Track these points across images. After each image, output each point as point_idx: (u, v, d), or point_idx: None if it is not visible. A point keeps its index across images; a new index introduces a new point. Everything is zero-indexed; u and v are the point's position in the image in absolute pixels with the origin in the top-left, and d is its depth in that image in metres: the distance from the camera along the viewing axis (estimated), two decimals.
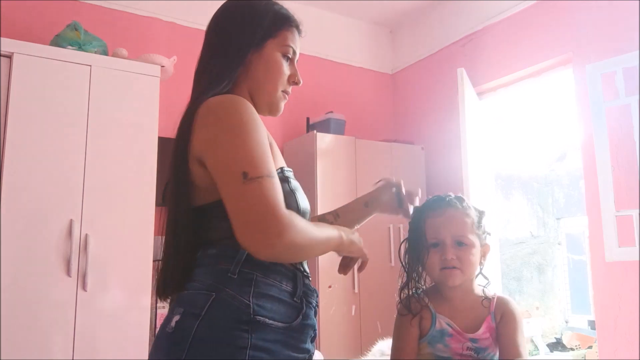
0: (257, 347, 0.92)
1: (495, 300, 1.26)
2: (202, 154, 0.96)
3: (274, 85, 1.11)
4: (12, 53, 2.43)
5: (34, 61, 2.47)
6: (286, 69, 1.13)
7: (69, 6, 3.09)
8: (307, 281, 1.05)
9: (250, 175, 0.88)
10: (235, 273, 0.96)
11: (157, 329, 2.78)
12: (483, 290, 1.28)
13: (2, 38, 2.43)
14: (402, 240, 1.33)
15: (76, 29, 2.66)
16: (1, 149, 2.35)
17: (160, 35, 3.36)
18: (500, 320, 1.23)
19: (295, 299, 1.00)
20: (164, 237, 1.05)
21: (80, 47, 2.64)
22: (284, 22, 1.14)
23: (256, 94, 1.11)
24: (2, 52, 2.41)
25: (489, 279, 1.31)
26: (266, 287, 0.97)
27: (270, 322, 0.95)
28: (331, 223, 1.27)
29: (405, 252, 1.30)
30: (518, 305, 1.33)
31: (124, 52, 2.78)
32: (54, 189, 2.42)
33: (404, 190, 1.31)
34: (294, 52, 1.15)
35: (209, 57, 1.11)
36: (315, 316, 1.05)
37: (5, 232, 2.29)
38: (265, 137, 0.98)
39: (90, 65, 2.59)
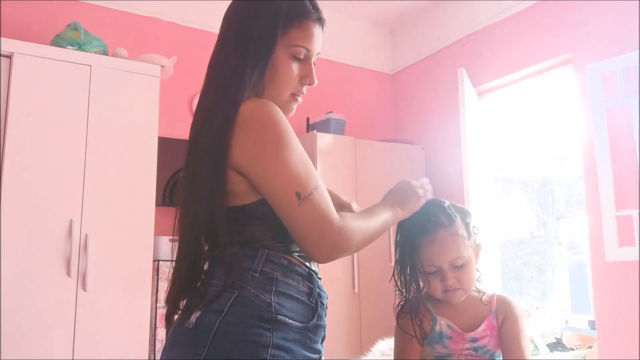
0: (277, 346, 0.92)
1: (495, 298, 1.27)
2: (243, 166, 0.96)
3: (278, 89, 1.06)
4: (12, 53, 2.43)
5: (34, 61, 2.47)
6: (295, 70, 1.06)
7: (69, 6, 3.09)
8: (320, 283, 1.06)
9: (303, 195, 0.94)
10: (257, 272, 0.96)
11: (156, 328, 2.77)
12: (476, 287, 1.28)
13: (2, 38, 2.43)
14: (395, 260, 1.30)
15: (76, 29, 2.66)
16: (1, 149, 2.35)
17: (160, 35, 3.36)
18: (503, 322, 1.23)
19: (311, 299, 1.01)
20: (179, 237, 1.03)
21: (80, 47, 2.64)
22: (294, 18, 1.05)
23: (263, 96, 1.06)
24: (2, 52, 2.41)
25: (479, 271, 1.30)
26: (286, 286, 0.98)
27: (290, 321, 0.95)
28: None
29: (399, 274, 1.28)
30: (519, 305, 1.32)
31: (124, 52, 2.78)
32: (54, 189, 2.42)
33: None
34: (308, 50, 1.07)
35: (227, 56, 1.05)
36: (325, 317, 1.06)
37: (5, 232, 2.29)
38: (300, 144, 1.00)
39: (90, 65, 2.59)
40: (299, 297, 0.99)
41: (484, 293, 1.28)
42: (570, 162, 5.46)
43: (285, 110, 1.08)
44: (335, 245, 0.94)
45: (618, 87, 2.62)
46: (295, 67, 1.07)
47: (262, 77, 1.04)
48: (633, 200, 2.53)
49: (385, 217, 1.09)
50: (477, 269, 1.28)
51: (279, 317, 0.94)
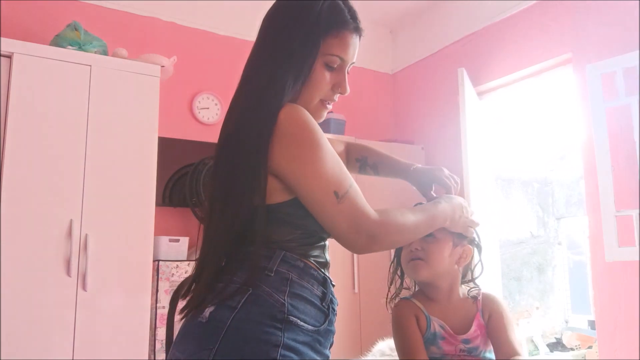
0: (288, 347, 0.93)
1: (481, 297, 1.28)
2: (279, 168, 0.98)
3: (310, 95, 1.08)
4: (12, 53, 2.43)
5: (34, 61, 2.47)
6: (328, 78, 1.08)
7: (69, 6, 3.09)
8: (332, 289, 1.08)
9: (341, 193, 0.97)
10: (272, 271, 0.98)
11: (156, 328, 2.76)
12: (468, 291, 1.29)
13: (2, 38, 2.43)
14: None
15: (76, 29, 2.66)
16: (1, 149, 2.35)
17: (160, 35, 3.36)
18: (489, 319, 1.25)
19: (323, 304, 1.03)
20: (206, 235, 1.04)
21: (80, 47, 2.64)
22: (331, 28, 1.06)
23: (295, 101, 1.07)
24: (2, 52, 2.41)
25: (478, 286, 1.31)
26: (300, 288, 0.99)
27: (302, 323, 0.97)
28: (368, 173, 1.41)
29: (396, 260, 1.32)
30: (504, 301, 1.33)
31: (124, 52, 2.78)
32: (54, 189, 2.42)
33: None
34: (342, 60, 1.08)
35: (265, 62, 1.06)
36: (334, 323, 1.07)
37: (5, 232, 2.29)
38: (331, 146, 1.02)
39: (90, 65, 2.59)
40: (312, 300, 1.00)
41: (471, 296, 1.28)
42: (570, 162, 5.46)
43: (316, 116, 1.09)
44: (373, 237, 0.97)
45: (618, 87, 2.61)
46: (327, 75, 1.08)
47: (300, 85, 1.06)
48: (633, 200, 2.53)
49: (434, 216, 1.12)
50: (472, 278, 1.29)
51: (291, 318, 0.95)
